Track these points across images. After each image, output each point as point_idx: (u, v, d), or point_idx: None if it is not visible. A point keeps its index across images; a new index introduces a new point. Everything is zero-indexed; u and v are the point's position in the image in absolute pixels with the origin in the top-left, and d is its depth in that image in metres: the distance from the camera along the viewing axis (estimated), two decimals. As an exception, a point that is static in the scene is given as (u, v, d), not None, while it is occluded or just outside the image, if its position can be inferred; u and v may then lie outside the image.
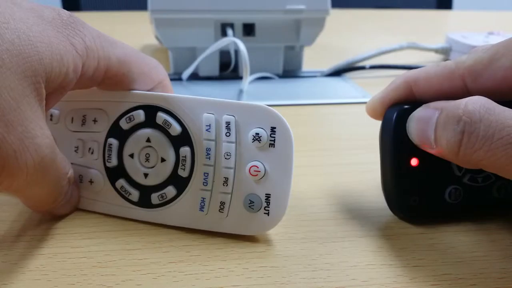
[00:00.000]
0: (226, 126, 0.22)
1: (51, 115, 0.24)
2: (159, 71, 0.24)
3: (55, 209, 0.23)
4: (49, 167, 0.20)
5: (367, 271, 0.20)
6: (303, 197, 0.26)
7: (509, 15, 0.97)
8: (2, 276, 0.20)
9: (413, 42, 0.54)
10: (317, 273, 0.20)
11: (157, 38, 0.52)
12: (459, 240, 0.22)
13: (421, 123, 0.21)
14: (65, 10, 0.20)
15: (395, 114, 0.22)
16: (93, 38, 0.21)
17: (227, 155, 0.22)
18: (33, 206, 0.23)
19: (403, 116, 0.22)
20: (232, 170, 0.22)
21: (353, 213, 0.25)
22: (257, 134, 0.21)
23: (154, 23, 0.44)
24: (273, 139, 0.21)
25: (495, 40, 0.55)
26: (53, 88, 0.20)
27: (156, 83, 0.24)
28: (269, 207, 0.22)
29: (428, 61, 0.57)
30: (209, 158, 0.22)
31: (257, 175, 0.22)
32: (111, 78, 0.22)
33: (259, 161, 0.22)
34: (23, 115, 0.18)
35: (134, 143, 0.23)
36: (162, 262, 0.21)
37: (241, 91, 0.43)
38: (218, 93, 0.44)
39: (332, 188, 0.27)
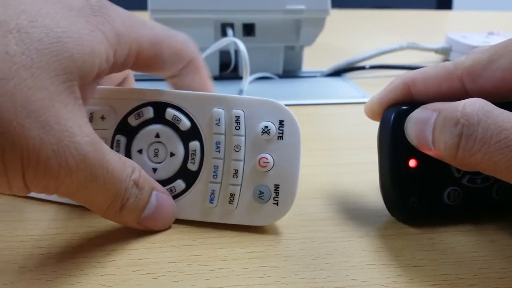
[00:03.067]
0: (236, 120, 0.22)
1: None
2: (190, 49, 0.24)
3: (126, 217, 0.21)
4: (96, 167, 0.19)
5: (367, 271, 0.20)
6: (303, 197, 0.26)
7: (509, 15, 0.97)
8: (2, 276, 0.20)
9: (413, 42, 0.54)
10: (317, 273, 0.20)
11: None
12: (459, 240, 0.22)
13: (419, 125, 0.21)
14: None
15: (393, 115, 0.22)
16: (122, 23, 0.20)
17: (236, 147, 0.22)
18: (98, 211, 0.21)
19: (402, 117, 0.22)
20: (241, 162, 0.22)
21: (353, 213, 0.25)
22: (266, 127, 0.22)
23: (154, 23, 0.44)
24: (281, 131, 0.22)
25: (495, 40, 0.55)
26: (87, 82, 0.19)
27: (186, 61, 0.24)
28: (278, 197, 0.22)
29: (428, 61, 0.57)
30: (219, 151, 0.22)
31: (266, 166, 0.22)
32: (142, 61, 0.22)
33: (268, 153, 0.22)
34: (59, 113, 0.17)
35: (143, 139, 0.23)
36: (162, 262, 0.21)
37: (241, 91, 0.43)
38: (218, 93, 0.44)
39: (332, 188, 0.27)
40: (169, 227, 0.23)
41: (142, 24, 0.21)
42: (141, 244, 0.22)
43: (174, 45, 0.23)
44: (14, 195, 0.25)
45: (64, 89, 0.18)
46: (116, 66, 0.21)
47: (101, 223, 0.23)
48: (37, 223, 0.23)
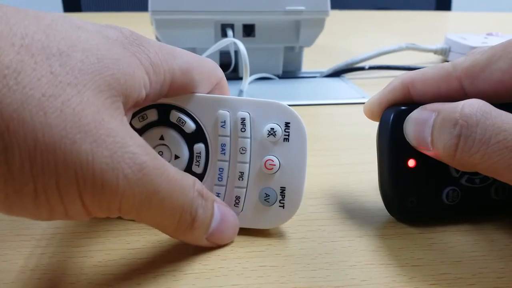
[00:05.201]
0: (241, 122, 0.22)
1: None
2: (217, 72, 0.24)
3: (197, 233, 0.20)
4: (157, 176, 0.18)
5: (366, 271, 0.20)
6: (303, 197, 0.26)
7: (507, 16, 0.97)
8: (3, 275, 0.20)
9: (412, 43, 0.54)
10: (316, 272, 0.20)
11: (157, 39, 0.52)
12: (458, 240, 0.22)
13: (418, 125, 0.21)
14: (126, 28, 0.20)
15: (392, 115, 0.22)
16: (156, 53, 0.20)
17: (242, 150, 0.22)
18: (169, 229, 0.20)
19: (400, 117, 0.22)
20: (247, 165, 0.22)
21: (353, 213, 0.25)
22: (272, 129, 0.22)
23: (154, 24, 0.44)
24: (287, 133, 0.22)
25: (493, 41, 0.56)
26: (128, 105, 0.19)
27: (214, 84, 0.24)
28: (284, 200, 0.22)
29: (427, 62, 0.58)
30: (224, 153, 0.22)
31: (272, 168, 0.22)
32: (176, 89, 0.22)
33: (274, 155, 0.22)
34: (109, 126, 0.17)
35: (147, 141, 0.23)
36: (161, 262, 0.21)
37: (241, 92, 0.44)
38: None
39: (331, 188, 0.27)
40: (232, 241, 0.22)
41: (173, 54, 0.21)
42: (141, 243, 0.22)
43: (203, 70, 0.23)
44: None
45: (110, 103, 0.17)
46: (152, 95, 0.20)
47: (101, 223, 0.23)
48: (38, 223, 0.23)
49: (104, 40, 0.18)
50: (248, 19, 0.46)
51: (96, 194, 0.17)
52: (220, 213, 0.21)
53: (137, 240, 0.22)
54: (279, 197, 0.22)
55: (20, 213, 0.16)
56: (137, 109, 0.21)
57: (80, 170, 0.16)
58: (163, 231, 0.20)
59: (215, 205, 0.21)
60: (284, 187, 0.22)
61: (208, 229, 0.21)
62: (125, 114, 0.19)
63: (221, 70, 0.24)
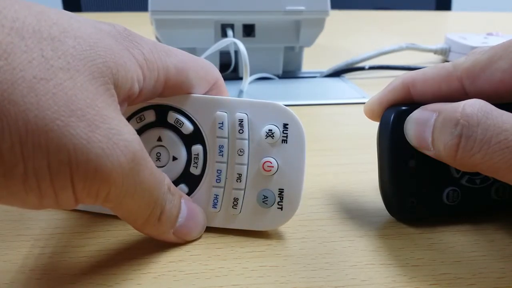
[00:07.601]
0: (239, 124, 0.22)
1: None
2: (214, 72, 0.24)
3: (164, 227, 0.21)
4: (143, 167, 0.18)
5: (366, 271, 0.20)
6: (303, 197, 0.26)
7: (507, 16, 0.97)
8: (3, 275, 0.20)
9: (412, 43, 0.54)
10: (316, 272, 0.20)
11: (157, 39, 0.52)
12: (458, 240, 0.22)
13: (419, 125, 0.21)
14: (120, 25, 0.20)
15: (393, 115, 0.22)
16: (150, 50, 0.20)
17: (240, 151, 0.22)
18: (138, 222, 0.20)
19: (401, 117, 0.22)
20: (245, 166, 0.22)
21: (353, 213, 0.25)
22: (270, 130, 0.22)
23: (154, 24, 0.44)
24: (285, 135, 0.22)
25: (493, 41, 0.56)
26: (122, 96, 0.19)
27: (211, 84, 0.24)
28: (282, 202, 0.22)
29: (427, 62, 0.58)
30: (222, 155, 0.22)
31: (270, 170, 0.22)
32: (170, 88, 0.21)
33: (272, 157, 0.22)
34: (103, 113, 0.17)
35: (145, 142, 0.23)
36: (162, 262, 0.21)
37: (241, 92, 0.44)
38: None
39: (331, 188, 0.27)
40: (200, 237, 0.22)
41: (168, 52, 0.21)
42: (141, 243, 0.22)
43: (199, 70, 0.23)
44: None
45: (104, 90, 0.17)
46: (146, 92, 0.20)
47: (100, 223, 0.23)
48: (37, 223, 0.23)
49: (96, 30, 0.18)
50: (248, 19, 0.46)
51: (88, 179, 0.16)
52: (188, 209, 0.22)
53: (137, 240, 0.22)
54: (277, 199, 0.22)
55: (8, 199, 0.16)
56: (131, 105, 0.21)
57: (74, 154, 0.16)
58: (132, 223, 0.20)
59: (182, 201, 0.21)
60: (283, 189, 0.22)
61: (174, 224, 0.21)
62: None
63: (217, 70, 0.24)
